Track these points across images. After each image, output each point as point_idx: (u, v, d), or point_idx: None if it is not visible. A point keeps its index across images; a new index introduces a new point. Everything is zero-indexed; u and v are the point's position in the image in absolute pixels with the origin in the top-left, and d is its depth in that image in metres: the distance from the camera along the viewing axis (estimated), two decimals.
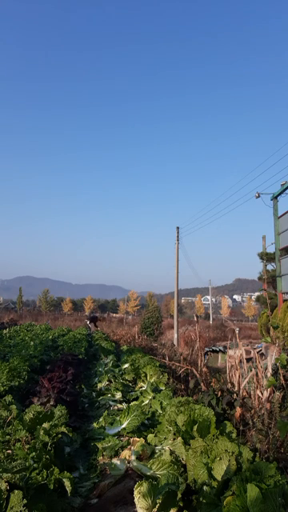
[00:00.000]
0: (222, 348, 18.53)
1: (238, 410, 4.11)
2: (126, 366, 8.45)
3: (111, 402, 6.14)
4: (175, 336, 27.76)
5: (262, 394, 4.50)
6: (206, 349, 18.67)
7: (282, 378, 4.77)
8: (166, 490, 2.67)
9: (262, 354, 10.19)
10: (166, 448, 3.51)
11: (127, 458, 3.62)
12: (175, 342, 25.40)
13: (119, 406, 5.96)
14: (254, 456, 2.89)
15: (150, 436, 4.02)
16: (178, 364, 7.26)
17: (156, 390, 5.90)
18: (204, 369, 6.30)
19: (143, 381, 6.91)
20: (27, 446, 3.09)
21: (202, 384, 5.60)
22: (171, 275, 32.29)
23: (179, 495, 2.68)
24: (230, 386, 5.09)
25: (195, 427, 3.41)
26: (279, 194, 14.41)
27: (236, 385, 5.12)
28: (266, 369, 5.10)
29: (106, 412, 5.37)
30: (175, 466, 3.10)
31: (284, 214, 13.62)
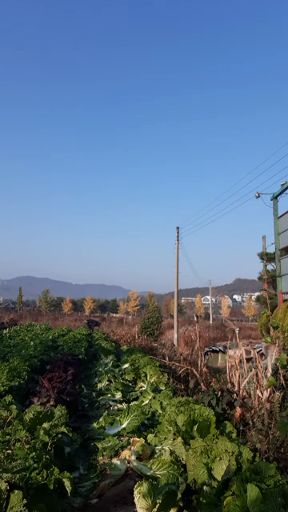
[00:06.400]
0: (222, 348, 18.52)
1: (238, 410, 4.11)
2: (126, 366, 8.45)
3: (111, 402, 6.14)
4: (175, 336, 27.75)
5: (262, 393, 4.50)
6: (206, 349, 18.66)
7: (282, 377, 4.76)
8: (166, 490, 2.67)
9: (262, 354, 10.19)
10: (166, 448, 3.51)
11: (127, 458, 3.63)
12: (175, 342, 25.39)
13: (119, 405, 5.96)
14: (254, 456, 2.90)
15: (150, 436, 4.02)
16: (178, 364, 7.26)
17: (156, 390, 5.91)
18: (204, 369, 6.30)
19: (143, 381, 6.91)
20: (27, 446, 3.10)
21: (202, 384, 5.60)
22: (171, 275, 32.28)
23: (179, 495, 2.68)
24: (229, 385, 5.09)
25: (195, 427, 3.42)
26: (279, 194, 14.40)
27: (236, 385, 5.12)
28: (266, 369, 5.10)
29: (106, 412, 5.38)
30: (175, 466, 3.10)
31: (284, 214, 13.61)
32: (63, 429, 3.55)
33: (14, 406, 4.39)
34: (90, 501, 3.13)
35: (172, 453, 3.34)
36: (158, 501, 2.66)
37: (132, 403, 5.57)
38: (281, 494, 2.22)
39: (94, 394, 6.86)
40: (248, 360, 7.10)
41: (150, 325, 29.14)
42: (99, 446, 3.96)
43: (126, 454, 3.70)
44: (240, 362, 5.55)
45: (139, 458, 3.59)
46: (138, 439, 3.93)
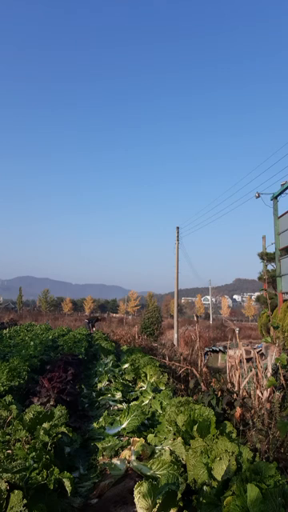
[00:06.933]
0: (222, 348, 18.52)
1: (238, 410, 4.11)
2: (126, 366, 8.45)
3: (111, 402, 6.14)
4: (175, 336, 27.75)
5: (262, 393, 4.50)
6: (206, 349, 18.67)
7: (282, 377, 4.76)
8: (166, 490, 2.67)
9: (262, 354, 10.19)
10: (166, 448, 3.51)
11: (127, 458, 3.62)
12: (175, 342, 25.39)
13: (119, 405, 5.96)
14: (254, 456, 2.89)
15: (150, 436, 4.02)
16: (178, 364, 7.26)
17: (156, 390, 5.90)
18: (204, 369, 6.30)
19: (143, 381, 6.91)
20: (27, 446, 3.10)
21: (202, 384, 5.60)
22: (171, 275, 32.31)
23: (179, 495, 2.68)
24: (229, 385, 5.09)
25: (195, 427, 3.41)
26: (279, 194, 14.40)
27: (236, 385, 5.12)
28: (266, 369, 5.10)
29: (106, 412, 5.37)
30: (175, 466, 3.10)
31: (284, 213, 13.61)
32: (63, 429, 3.55)
33: (14, 406, 4.39)
34: (90, 501, 3.13)
35: (172, 453, 3.34)
36: (158, 501, 2.66)
37: (132, 403, 5.57)
38: (281, 494, 2.22)
39: (93, 394, 6.86)
40: (248, 360, 7.10)
41: (150, 325, 29.15)
42: (99, 446, 3.96)
43: (125, 453, 3.70)
44: (240, 361, 5.55)
45: (139, 458, 3.59)
46: (137, 439, 3.93)
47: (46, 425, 3.49)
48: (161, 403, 4.90)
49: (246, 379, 5.02)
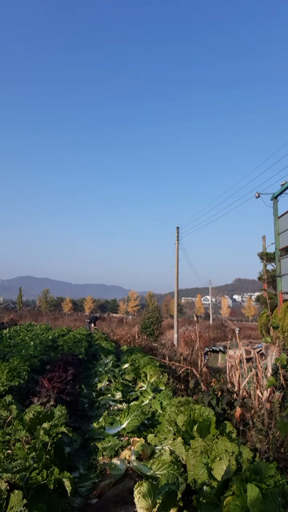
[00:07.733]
0: (222, 348, 18.54)
1: (238, 410, 4.11)
2: (126, 366, 8.45)
3: (111, 402, 6.13)
4: (175, 336, 27.76)
5: (262, 393, 4.50)
6: (206, 349, 18.68)
7: (282, 377, 4.76)
8: (166, 490, 2.67)
9: (262, 354, 10.19)
10: (166, 448, 3.51)
11: (127, 458, 3.63)
12: (175, 342, 25.41)
13: (119, 406, 5.96)
14: (254, 456, 2.89)
15: (150, 436, 4.02)
16: (178, 364, 7.26)
17: (156, 390, 5.90)
18: (204, 369, 6.30)
19: (143, 381, 6.91)
20: (27, 446, 3.09)
21: (202, 384, 5.60)
22: (171, 275, 32.33)
23: (179, 495, 2.68)
24: (230, 385, 5.09)
25: (195, 427, 3.42)
26: (279, 194, 14.41)
27: (236, 385, 5.12)
28: (266, 369, 5.10)
29: (106, 412, 5.38)
30: (175, 466, 3.10)
31: (284, 213, 13.62)
32: (63, 429, 3.55)
33: (14, 406, 4.39)
34: (90, 501, 3.13)
35: (172, 453, 3.34)
36: (158, 501, 2.66)
37: (132, 403, 5.57)
38: (281, 494, 2.22)
39: (93, 394, 6.86)
40: (248, 360, 7.10)
41: (150, 325, 29.17)
42: (99, 446, 3.96)
43: (125, 454, 3.70)
44: (240, 361, 5.55)
45: (139, 458, 3.59)
46: (138, 439, 3.94)
47: (46, 425, 3.49)
48: (161, 403, 4.90)
49: (246, 379, 5.03)
